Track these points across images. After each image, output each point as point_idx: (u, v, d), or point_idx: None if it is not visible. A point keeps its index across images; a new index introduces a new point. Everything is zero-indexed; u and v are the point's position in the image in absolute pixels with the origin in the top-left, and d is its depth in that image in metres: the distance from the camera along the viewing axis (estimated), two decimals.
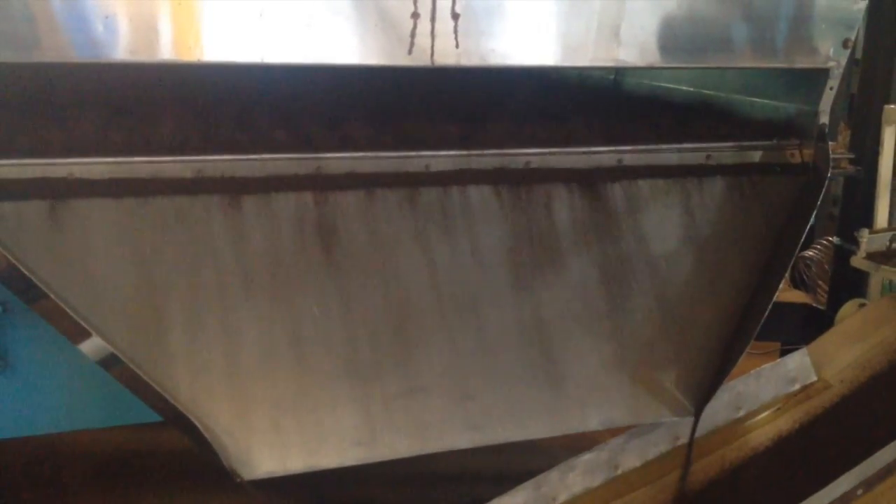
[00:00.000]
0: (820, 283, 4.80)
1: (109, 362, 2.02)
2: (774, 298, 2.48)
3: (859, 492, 2.38)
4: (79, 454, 3.60)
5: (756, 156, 2.65)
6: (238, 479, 2.07)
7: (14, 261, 1.91)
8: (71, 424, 2.87)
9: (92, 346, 2.01)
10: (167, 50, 1.92)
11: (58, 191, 1.99)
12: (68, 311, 1.95)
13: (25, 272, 1.91)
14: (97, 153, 2.04)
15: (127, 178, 2.04)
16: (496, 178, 2.39)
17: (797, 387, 2.85)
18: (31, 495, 3.44)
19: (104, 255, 2.04)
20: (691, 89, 3.09)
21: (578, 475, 2.57)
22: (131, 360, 2.00)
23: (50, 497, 3.43)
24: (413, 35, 2.06)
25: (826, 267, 4.71)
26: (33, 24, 1.80)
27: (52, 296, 1.93)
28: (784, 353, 3.06)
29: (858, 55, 3.74)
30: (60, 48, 1.83)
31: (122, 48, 1.87)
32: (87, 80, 2.38)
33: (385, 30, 2.05)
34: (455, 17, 2.07)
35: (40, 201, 1.98)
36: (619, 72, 3.52)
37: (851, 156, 3.37)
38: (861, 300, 3.32)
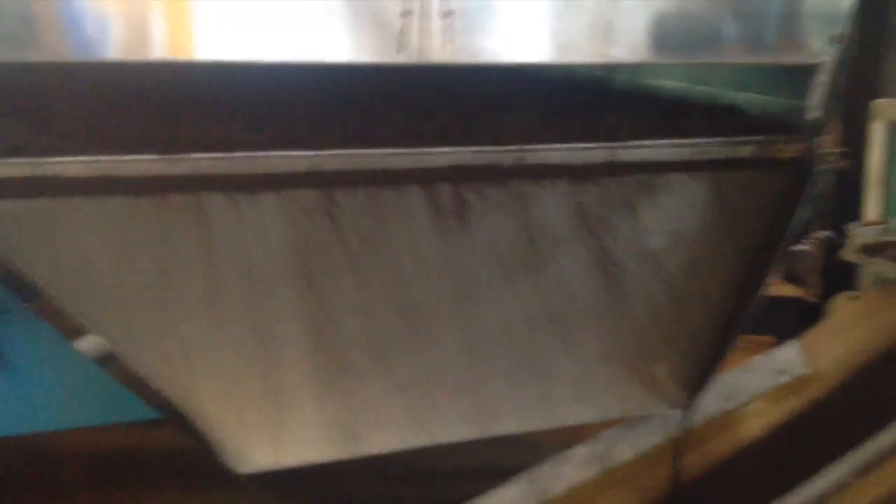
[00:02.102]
0: (813, 277, 4.82)
1: (106, 360, 2.04)
2: (765, 291, 2.50)
3: (851, 481, 2.40)
4: (77, 452, 3.61)
5: (746, 151, 2.66)
6: (234, 474, 2.09)
7: (7, 259, 1.93)
8: (70, 422, 2.89)
9: (88, 344, 2.03)
10: (159, 49, 1.93)
11: (49, 189, 1.99)
12: (63, 308, 1.97)
13: (20, 271, 1.93)
14: (89, 151, 2.04)
15: (119, 176, 2.05)
16: (488, 173, 2.40)
17: (789, 378, 2.88)
18: (30, 494, 3.45)
19: (98, 253, 2.05)
20: (682, 85, 3.11)
21: (572, 468, 2.59)
22: (127, 357, 2.02)
23: (48, 495, 3.44)
24: (403, 33, 2.08)
25: (819, 261, 4.73)
26: (24, 24, 1.80)
27: (46, 294, 1.95)
28: (776, 346, 3.08)
29: (849, 53, 3.76)
30: (51, 47, 1.84)
31: (115, 47, 1.89)
32: (79, 79, 2.39)
33: (376, 28, 2.07)
34: (445, 14, 2.09)
35: (31, 200, 1.98)
36: (611, 68, 3.54)
37: (844, 150, 3.39)
38: (852, 293, 3.34)
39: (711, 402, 2.72)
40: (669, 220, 2.60)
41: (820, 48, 2.53)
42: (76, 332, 2.00)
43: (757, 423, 2.81)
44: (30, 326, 2.60)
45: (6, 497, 3.42)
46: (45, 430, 2.90)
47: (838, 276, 3.70)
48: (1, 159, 1.96)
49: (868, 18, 3.51)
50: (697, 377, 2.54)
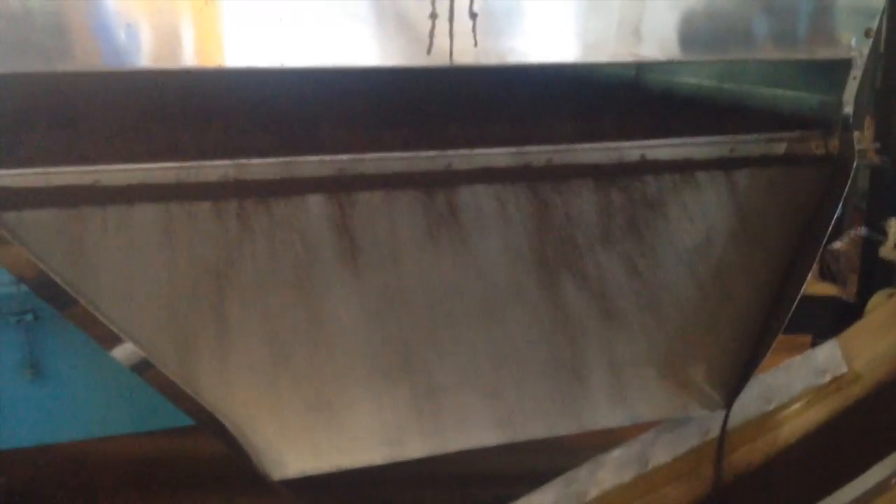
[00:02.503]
0: (849, 275, 4.76)
1: (141, 367, 2.04)
2: (803, 290, 2.47)
3: (893, 481, 2.36)
4: (110, 460, 3.62)
5: (780, 148, 2.63)
6: (269, 480, 2.08)
7: (44, 268, 1.94)
8: (102, 430, 2.91)
9: (124, 352, 2.03)
10: (189, 56, 1.94)
11: (85, 198, 2.02)
12: (99, 317, 1.97)
13: (56, 279, 1.94)
14: (123, 160, 2.06)
15: (153, 184, 2.07)
16: (519, 175, 2.39)
17: (828, 378, 2.83)
18: (64, 501, 3.47)
19: (133, 260, 2.06)
20: (713, 83, 3.08)
21: (608, 472, 2.56)
22: (163, 364, 2.02)
23: (82, 503, 3.46)
24: (432, 35, 2.07)
25: (855, 259, 4.68)
26: (57, 34, 1.82)
27: (82, 302, 1.96)
28: (814, 346, 3.03)
29: (882, 48, 3.71)
30: (84, 57, 1.85)
31: (145, 55, 1.89)
32: (112, 88, 2.40)
33: (403, 31, 2.06)
34: (473, 16, 2.07)
35: (68, 209, 2.01)
36: (640, 67, 3.51)
37: (877, 146, 3.35)
38: (890, 291, 3.29)
39: (750, 403, 2.68)
40: (703, 219, 2.57)
41: (853, 42, 2.49)
42: (111, 340, 2.00)
43: (797, 425, 2.77)
44: (63, 335, 2.62)
45: None
46: (78, 438, 2.91)
47: (876, 274, 3.65)
48: (35, 169, 1.98)
49: None
50: (735, 378, 2.50)
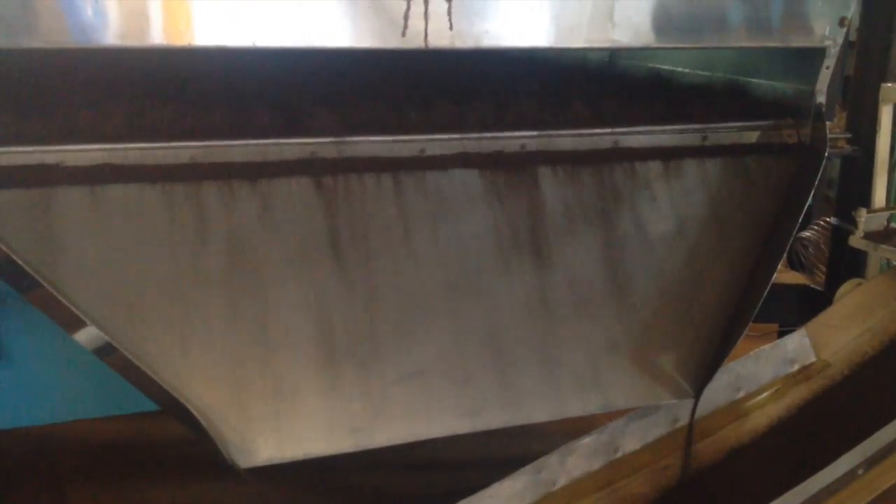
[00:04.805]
0: (818, 264, 4.80)
1: (105, 351, 2.01)
2: (773, 279, 2.47)
3: (860, 471, 2.37)
4: (76, 444, 3.59)
5: (753, 136, 2.63)
6: (236, 468, 2.05)
7: (7, 250, 1.89)
8: (68, 415, 2.86)
9: (87, 336, 1.99)
10: (158, 35, 1.90)
11: (49, 178, 1.97)
12: (62, 300, 1.93)
13: (19, 261, 1.90)
14: (88, 140, 2.02)
15: (119, 165, 2.02)
16: (492, 161, 2.38)
17: (796, 367, 2.85)
18: (29, 486, 3.43)
19: (98, 242, 2.02)
20: (687, 70, 3.07)
21: (578, 459, 2.56)
22: (127, 348, 1.99)
23: (47, 488, 3.42)
24: (407, 17, 2.04)
25: (823, 248, 4.71)
26: (23, 10, 1.78)
27: (45, 285, 1.92)
28: (782, 334, 3.05)
29: (853, 37, 3.73)
30: (50, 33, 1.81)
31: (113, 33, 1.85)
32: (78, 66, 2.35)
33: (378, 12, 2.03)
34: None
35: (32, 189, 1.96)
36: (614, 53, 3.50)
37: (848, 135, 3.36)
38: (859, 280, 3.31)
39: (719, 391, 2.69)
40: (675, 207, 2.57)
41: (827, 31, 2.49)
42: (75, 323, 1.96)
43: (764, 413, 2.78)
44: (28, 318, 2.57)
45: (4, 488, 3.39)
46: (43, 423, 2.87)
47: (844, 263, 3.67)
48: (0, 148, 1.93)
49: (874, 1, 3.47)
50: (705, 367, 2.51)
